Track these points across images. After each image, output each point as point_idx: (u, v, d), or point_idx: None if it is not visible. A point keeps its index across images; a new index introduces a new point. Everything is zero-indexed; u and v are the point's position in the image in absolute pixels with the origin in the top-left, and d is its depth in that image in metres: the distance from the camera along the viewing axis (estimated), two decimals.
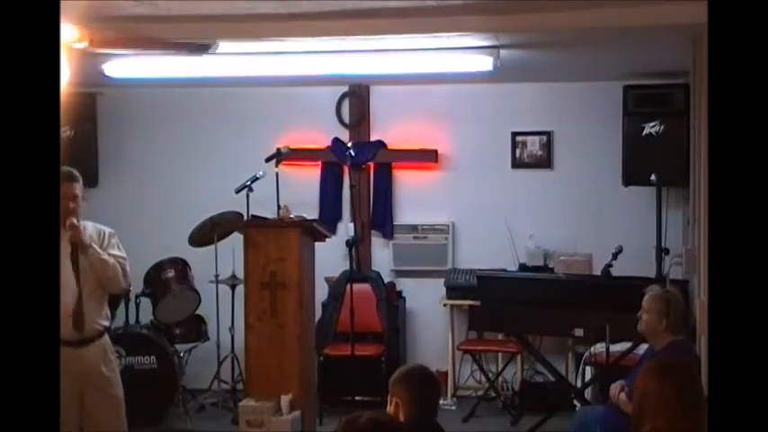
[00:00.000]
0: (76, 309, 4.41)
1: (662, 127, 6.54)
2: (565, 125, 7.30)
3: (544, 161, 7.34)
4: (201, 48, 4.78)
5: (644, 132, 6.58)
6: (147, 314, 6.75)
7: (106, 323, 4.70)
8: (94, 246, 4.50)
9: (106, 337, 4.66)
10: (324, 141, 7.45)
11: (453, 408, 6.94)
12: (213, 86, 7.29)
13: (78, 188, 4.48)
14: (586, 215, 7.16)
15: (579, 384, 6.38)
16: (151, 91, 7.43)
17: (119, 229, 4.84)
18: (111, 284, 4.63)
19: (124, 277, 4.63)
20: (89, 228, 4.59)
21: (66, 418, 4.14)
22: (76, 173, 4.49)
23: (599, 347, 5.74)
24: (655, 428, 2.76)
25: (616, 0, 4.68)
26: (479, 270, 6.70)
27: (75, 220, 4.43)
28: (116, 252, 4.62)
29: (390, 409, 3.19)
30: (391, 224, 7.48)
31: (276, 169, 6.28)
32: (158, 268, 6.69)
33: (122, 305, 6.48)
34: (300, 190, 6.98)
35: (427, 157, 7.43)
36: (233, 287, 6.79)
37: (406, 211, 7.50)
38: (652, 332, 4.56)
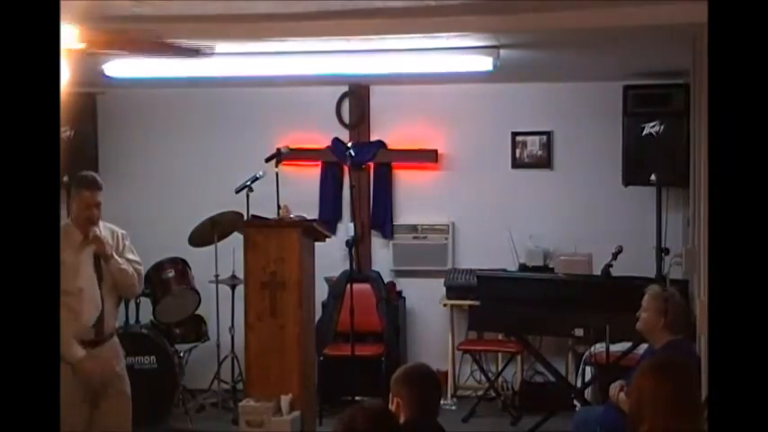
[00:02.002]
0: (101, 312, 4.49)
1: (662, 127, 6.54)
2: (565, 125, 7.30)
3: (544, 161, 7.34)
4: (195, 51, 4.78)
5: (644, 132, 6.58)
6: (147, 314, 6.76)
7: (117, 324, 4.79)
8: (116, 256, 4.56)
9: (116, 337, 4.74)
10: (324, 141, 7.45)
11: (453, 408, 6.94)
12: (213, 86, 7.29)
13: (101, 196, 4.55)
14: (586, 215, 7.16)
15: (579, 384, 6.38)
16: (151, 91, 7.43)
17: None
18: (127, 292, 4.79)
19: (139, 283, 4.76)
20: (102, 229, 4.61)
21: (79, 417, 4.22)
22: (100, 180, 4.56)
23: (599, 347, 5.74)
24: (652, 428, 2.76)
25: (616, 0, 4.68)
26: (479, 270, 6.70)
27: (98, 232, 4.49)
28: (131, 257, 4.70)
29: (392, 408, 3.19)
30: (391, 224, 7.48)
31: (276, 169, 6.27)
32: (158, 268, 6.68)
33: (122, 305, 6.47)
34: (300, 190, 6.97)
35: (427, 157, 7.43)
36: (233, 287, 6.79)
37: (406, 211, 7.50)
38: (650, 330, 4.57)
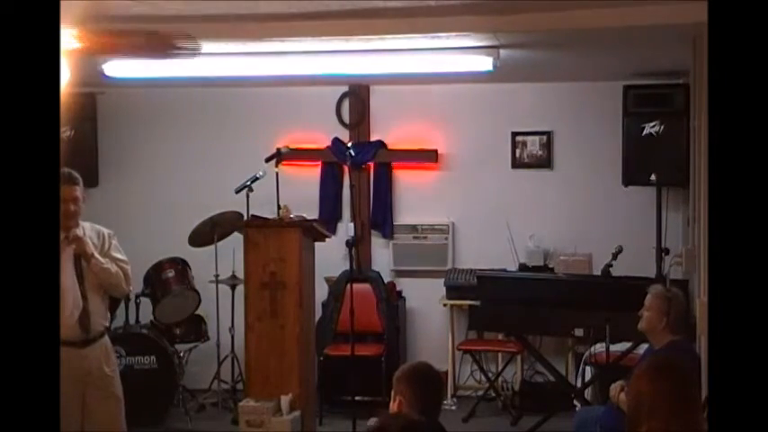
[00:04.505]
0: (83, 310, 4.44)
1: (662, 127, 6.53)
2: (565, 125, 7.30)
3: (544, 161, 7.34)
4: (184, 51, 4.75)
5: (644, 132, 6.58)
6: (147, 314, 6.75)
7: (107, 323, 4.73)
8: (97, 255, 4.52)
9: (107, 337, 4.68)
10: (324, 141, 7.45)
11: (453, 408, 6.93)
12: (213, 86, 7.29)
13: (79, 191, 4.48)
14: (586, 215, 7.16)
15: (579, 384, 6.38)
16: (151, 91, 7.43)
17: (119, 228, 4.85)
18: (114, 291, 4.70)
19: (126, 283, 4.67)
20: (87, 229, 4.58)
21: (68, 419, 4.16)
22: (77, 175, 4.48)
23: (599, 347, 5.74)
24: (651, 429, 2.75)
25: (616, 0, 4.68)
26: (479, 270, 6.70)
27: (78, 233, 4.45)
28: (118, 255, 4.64)
29: (393, 406, 3.18)
30: (391, 224, 7.48)
31: (276, 169, 6.28)
32: (158, 268, 6.69)
33: (122, 305, 6.48)
34: (300, 190, 6.98)
35: (427, 157, 7.43)
36: (233, 287, 6.79)
37: (406, 211, 7.50)
38: (652, 330, 4.57)
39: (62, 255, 4.38)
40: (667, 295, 4.55)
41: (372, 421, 2.48)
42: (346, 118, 7.52)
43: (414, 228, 7.45)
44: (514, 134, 7.35)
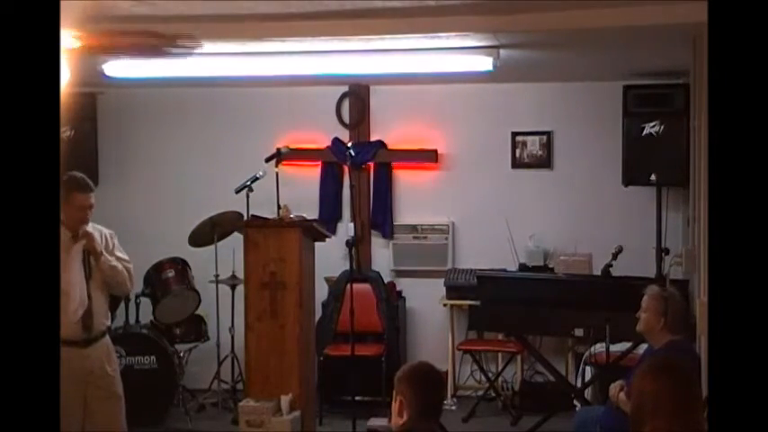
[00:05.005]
0: (87, 308, 4.45)
1: (662, 127, 6.53)
2: (565, 125, 7.30)
3: (544, 161, 7.34)
4: (183, 48, 4.74)
5: (644, 132, 6.58)
6: (147, 314, 6.75)
7: (108, 322, 4.75)
8: (105, 254, 4.54)
9: (108, 337, 4.70)
10: (324, 141, 7.45)
11: (453, 408, 6.93)
12: (213, 86, 7.29)
13: (93, 198, 4.55)
14: (586, 215, 7.16)
15: (579, 384, 6.38)
16: (151, 91, 7.43)
17: (119, 228, 4.86)
18: (119, 289, 4.73)
19: (130, 281, 4.71)
20: (89, 230, 4.60)
21: (69, 419, 4.17)
22: (90, 181, 4.55)
23: (599, 347, 5.74)
24: (654, 429, 2.76)
25: (616, 0, 4.68)
26: (479, 270, 6.70)
27: (88, 229, 4.48)
28: (121, 255, 4.68)
29: (395, 406, 3.18)
30: (391, 224, 7.48)
31: (276, 169, 6.28)
32: (158, 268, 6.69)
33: (122, 305, 6.49)
34: (300, 190, 6.98)
35: (427, 157, 7.43)
36: (233, 287, 6.79)
37: (406, 211, 7.50)
38: (650, 331, 4.56)
39: (71, 252, 4.41)
40: (664, 295, 4.55)
41: (372, 421, 2.50)
42: (346, 118, 7.52)
43: (414, 228, 7.45)
44: (514, 134, 7.35)
